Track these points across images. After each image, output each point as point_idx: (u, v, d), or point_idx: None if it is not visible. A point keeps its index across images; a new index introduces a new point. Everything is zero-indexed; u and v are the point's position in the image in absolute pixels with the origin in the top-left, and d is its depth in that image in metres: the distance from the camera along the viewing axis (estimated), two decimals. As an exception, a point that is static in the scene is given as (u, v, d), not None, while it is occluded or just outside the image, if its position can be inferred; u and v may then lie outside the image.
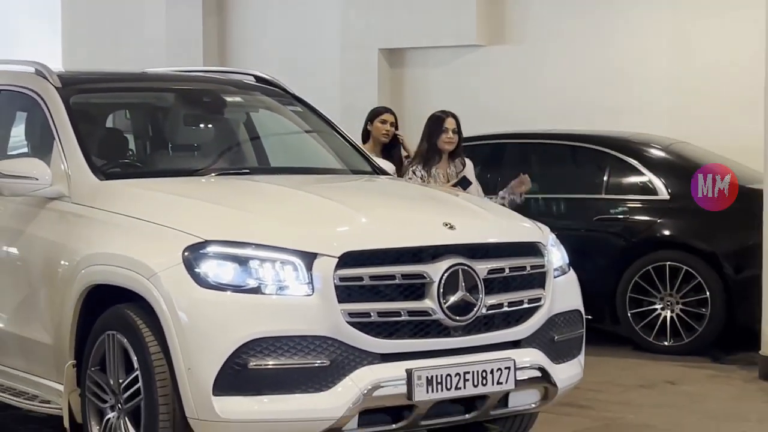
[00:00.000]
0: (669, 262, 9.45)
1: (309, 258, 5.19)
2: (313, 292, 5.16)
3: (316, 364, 5.10)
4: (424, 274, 5.34)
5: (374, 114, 8.91)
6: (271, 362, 5.07)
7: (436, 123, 8.14)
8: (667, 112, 12.11)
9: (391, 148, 8.63)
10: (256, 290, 5.15)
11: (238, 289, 5.15)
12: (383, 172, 7.12)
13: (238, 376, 5.06)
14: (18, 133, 7.04)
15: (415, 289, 5.33)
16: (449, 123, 8.11)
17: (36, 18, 15.98)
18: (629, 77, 12.44)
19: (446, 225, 5.57)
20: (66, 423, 5.79)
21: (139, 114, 7.33)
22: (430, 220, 5.70)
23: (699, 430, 7.01)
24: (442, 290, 5.33)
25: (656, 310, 9.48)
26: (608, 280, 9.60)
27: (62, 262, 5.87)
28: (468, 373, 5.37)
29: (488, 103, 12.90)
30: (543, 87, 12.84)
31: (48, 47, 15.13)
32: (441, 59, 13.64)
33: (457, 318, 5.37)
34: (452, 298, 5.35)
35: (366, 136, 8.83)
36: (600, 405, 7.57)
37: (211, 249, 5.23)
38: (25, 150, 6.94)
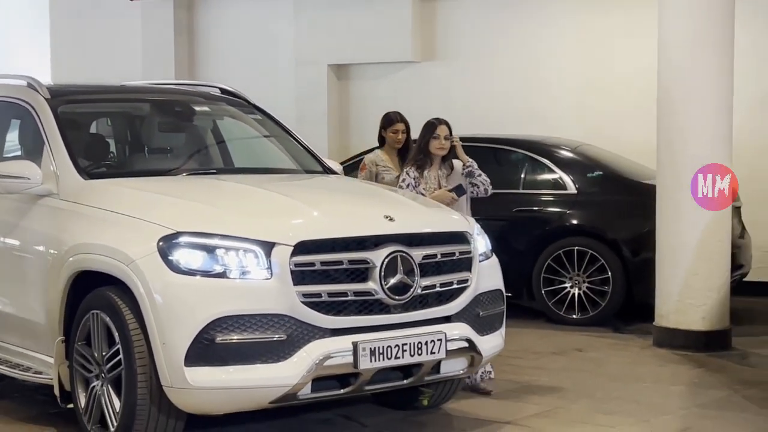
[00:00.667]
0: (577, 247, 9.51)
1: (268, 247, 5.18)
2: (271, 276, 5.14)
3: (275, 339, 5.09)
4: (368, 260, 5.34)
5: (387, 123, 8.08)
6: (235, 337, 5.05)
7: (429, 129, 7.32)
8: (574, 119, 12.20)
9: (405, 152, 7.92)
10: (222, 275, 5.13)
11: (206, 273, 5.12)
12: (332, 172, 7.10)
13: (206, 349, 5.03)
14: (12, 138, 6.94)
15: (360, 272, 5.33)
16: (441, 130, 7.28)
17: (28, 36, 15.76)
18: (542, 89, 12.52)
19: (387, 217, 5.57)
20: (56, 391, 5.74)
21: (119, 121, 7.23)
22: (373, 213, 5.70)
23: (602, 391, 7.05)
24: (383, 273, 5.34)
25: (566, 288, 9.53)
26: (526, 262, 9.64)
27: (52, 252, 5.81)
28: (406, 344, 5.38)
29: (421, 111, 12.69)
30: (468, 97, 12.89)
31: (38, 62, 14.93)
32: (381, 73, 13.64)
33: (396, 297, 5.38)
34: (392, 281, 5.36)
35: (382, 141, 8.13)
36: (519, 369, 7.60)
37: (183, 239, 5.20)
38: (19, 153, 6.84)
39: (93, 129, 7.13)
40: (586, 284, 9.47)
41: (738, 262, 9.40)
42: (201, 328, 5.02)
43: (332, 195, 6.43)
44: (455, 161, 7.40)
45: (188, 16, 15.02)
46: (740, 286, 9.77)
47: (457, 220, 6.05)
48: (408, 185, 7.11)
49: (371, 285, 5.32)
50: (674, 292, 8.45)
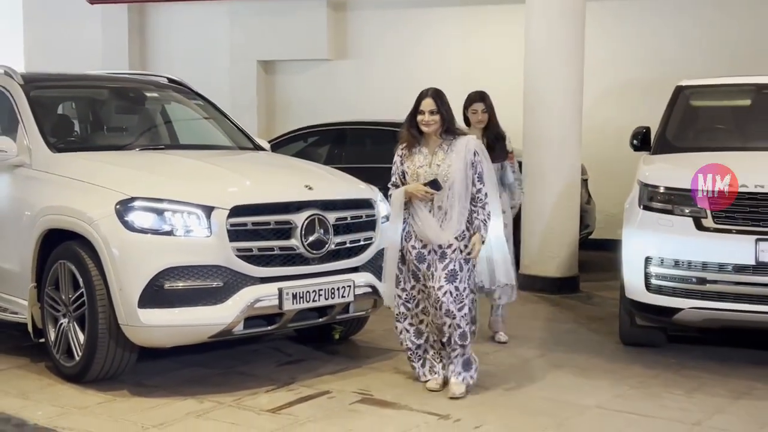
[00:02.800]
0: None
1: (208, 210, 5.10)
2: (211, 234, 5.07)
3: (213, 285, 5.03)
4: (291, 221, 5.30)
5: (467, 103, 6.80)
6: (181, 284, 4.98)
7: (416, 102, 5.40)
8: (457, 107, 12.09)
9: (486, 130, 6.62)
10: (170, 233, 5.04)
11: (156, 232, 5.03)
12: (261, 148, 7.00)
13: (156, 294, 4.95)
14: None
15: (285, 231, 5.29)
16: (425, 105, 5.29)
17: (4, 34, 15.23)
18: (430, 82, 12.30)
19: (306, 186, 5.53)
20: (30, 328, 5.61)
21: (82, 104, 7.00)
22: (295, 183, 5.64)
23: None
24: (303, 232, 5.31)
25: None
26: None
27: (26, 213, 5.64)
28: (321, 290, 5.37)
29: (335, 101, 12.88)
30: (372, 89, 12.84)
31: (13, 55, 14.45)
32: (301, 69, 13.49)
33: (314, 252, 5.36)
34: (311, 238, 5.34)
35: (467, 121, 6.75)
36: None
37: (137, 203, 5.09)
38: (-3, 130, 6.61)
39: (60, 110, 6.90)
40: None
41: (585, 223, 9.56)
42: (152, 276, 4.94)
43: (262, 167, 6.32)
44: (465, 137, 5.40)
45: (140, 19, 14.64)
46: (586, 242, 9.95)
47: (364, 189, 6.02)
48: (394, 163, 5.35)
49: (293, 242, 5.28)
50: (535, 245, 8.57)
